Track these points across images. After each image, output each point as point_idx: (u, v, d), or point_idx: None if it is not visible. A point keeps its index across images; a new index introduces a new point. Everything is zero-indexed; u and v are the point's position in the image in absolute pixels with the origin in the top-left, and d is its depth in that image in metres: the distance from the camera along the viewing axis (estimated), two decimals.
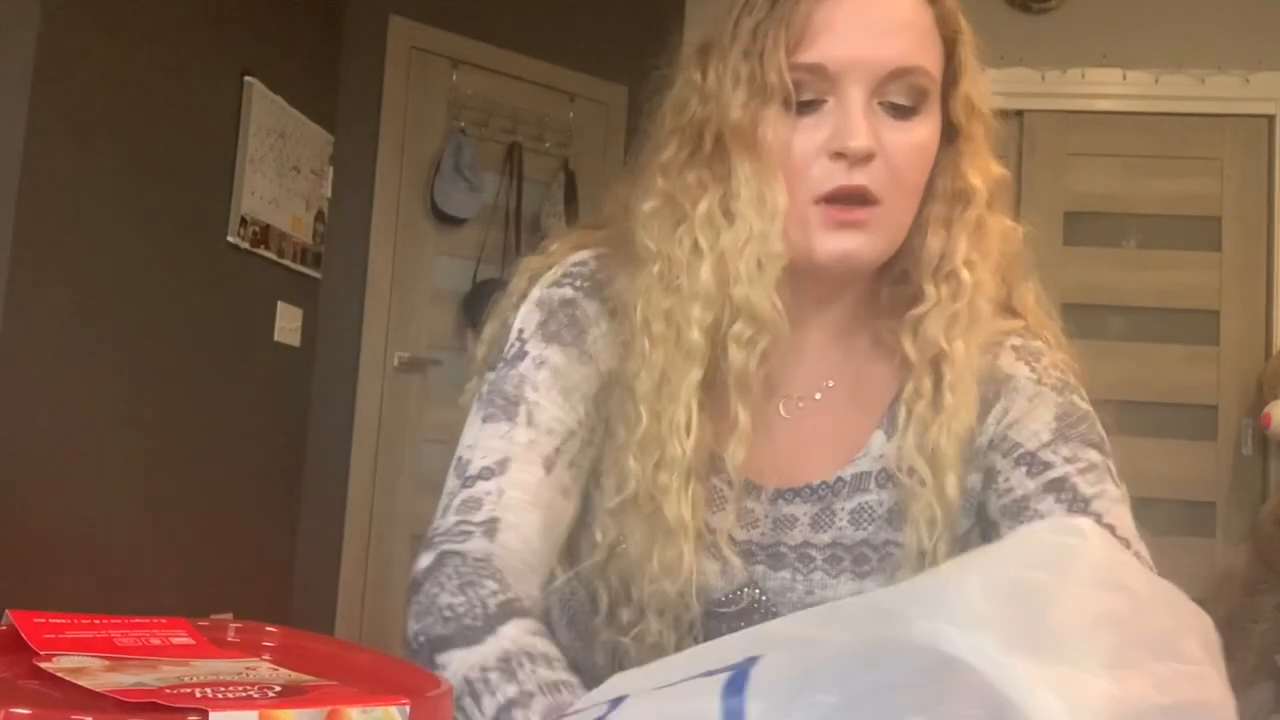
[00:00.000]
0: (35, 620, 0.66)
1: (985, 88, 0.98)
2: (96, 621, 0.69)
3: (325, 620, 3.48)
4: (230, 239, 3.12)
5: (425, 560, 0.90)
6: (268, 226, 3.29)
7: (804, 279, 0.95)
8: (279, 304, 3.40)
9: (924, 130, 0.92)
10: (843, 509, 0.96)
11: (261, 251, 3.26)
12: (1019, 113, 3.74)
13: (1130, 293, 3.65)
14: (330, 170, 3.66)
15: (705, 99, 0.94)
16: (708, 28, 0.96)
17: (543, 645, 0.83)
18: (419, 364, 3.80)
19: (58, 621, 0.67)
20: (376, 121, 3.77)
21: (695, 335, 0.91)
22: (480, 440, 0.96)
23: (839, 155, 0.88)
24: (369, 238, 3.76)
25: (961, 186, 0.95)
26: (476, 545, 0.90)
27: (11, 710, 0.48)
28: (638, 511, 0.94)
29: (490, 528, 0.91)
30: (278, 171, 3.33)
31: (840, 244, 0.90)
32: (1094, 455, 0.93)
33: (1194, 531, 3.57)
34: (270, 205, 3.30)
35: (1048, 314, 1.03)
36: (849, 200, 0.89)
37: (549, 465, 0.94)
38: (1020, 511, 0.93)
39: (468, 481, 0.94)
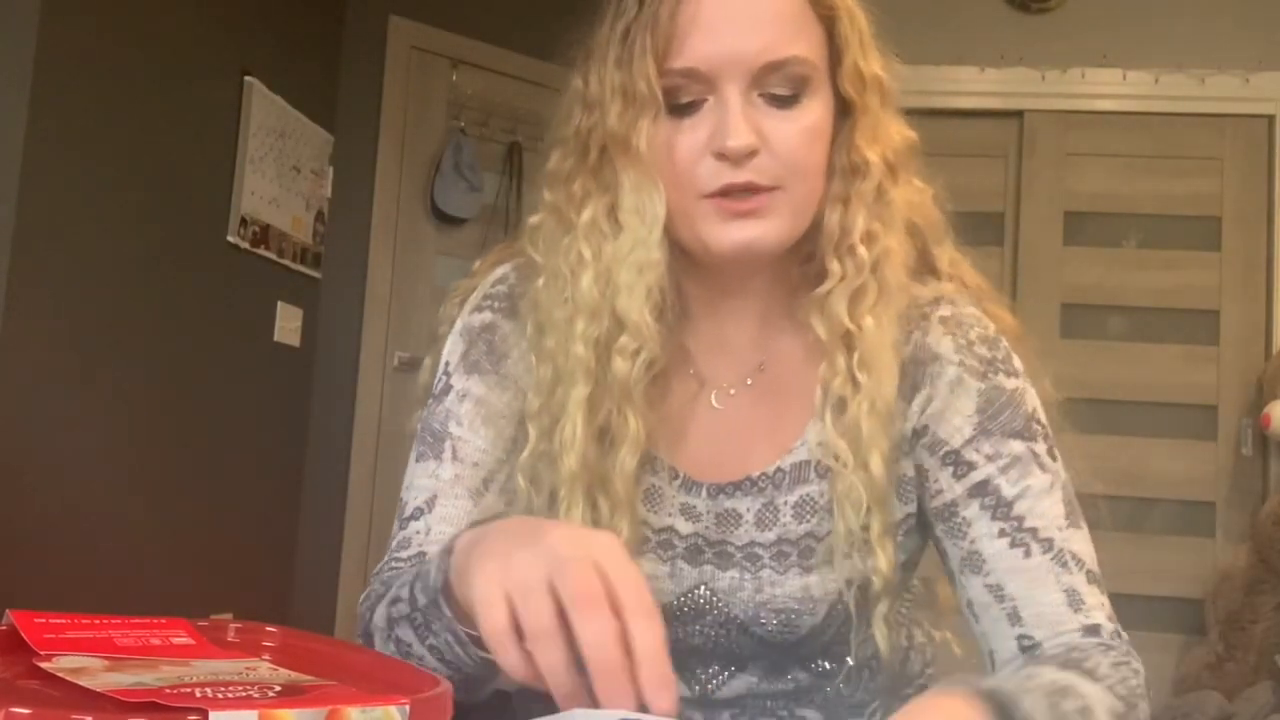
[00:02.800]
0: (35, 620, 0.66)
1: (877, 56, 0.95)
2: (96, 621, 0.69)
3: (325, 620, 3.48)
4: (230, 239, 3.12)
5: (363, 595, 0.95)
6: (268, 226, 3.29)
7: (712, 270, 0.95)
8: (279, 304, 3.40)
9: (809, 115, 0.91)
10: (785, 503, 0.95)
11: (261, 251, 3.26)
12: (1019, 113, 3.74)
13: (1130, 293, 3.65)
14: (330, 170, 3.66)
15: (589, 107, 0.94)
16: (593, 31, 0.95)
17: None
18: (419, 364, 3.79)
19: (58, 621, 0.67)
20: (376, 121, 3.77)
21: (580, 349, 0.91)
22: (413, 480, 0.98)
23: (722, 155, 0.88)
24: (369, 238, 3.76)
25: (856, 160, 0.94)
26: (406, 574, 0.93)
27: (11, 710, 0.48)
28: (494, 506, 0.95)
29: (418, 561, 0.94)
30: (278, 171, 3.33)
31: (739, 234, 0.89)
32: (1017, 446, 0.91)
33: (1194, 531, 3.57)
34: (270, 205, 3.30)
35: (967, 272, 1.02)
36: (740, 193, 0.89)
37: (477, 496, 0.96)
38: (950, 516, 0.92)
39: (403, 524, 0.97)
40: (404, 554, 0.95)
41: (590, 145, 0.94)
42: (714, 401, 0.98)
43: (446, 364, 1.02)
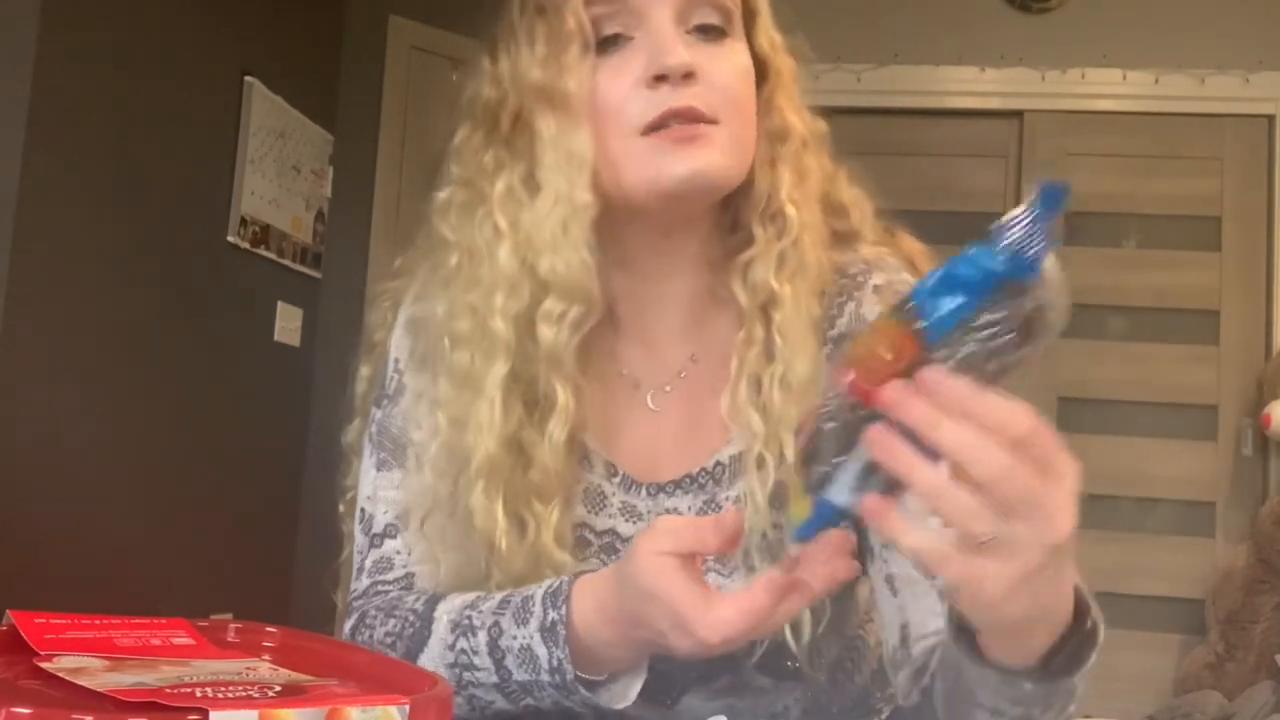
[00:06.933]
0: (35, 620, 0.66)
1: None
2: (96, 621, 0.69)
3: (325, 620, 3.47)
4: (230, 239, 3.12)
5: (349, 623, 0.92)
6: (268, 226, 3.29)
7: (641, 243, 0.90)
8: (279, 304, 3.40)
9: (739, 54, 0.89)
10: (726, 498, 0.91)
11: (261, 251, 3.26)
12: (1019, 113, 3.74)
13: (1130, 293, 3.65)
14: (330, 170, 3.66)
15: (497, 80, 0.92)
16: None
17: (469, 595, 0.86)
18: None
19: (58, 621, 0.67)
20: (376, 121, 3.77)
21: (499, 325, 0.87)
22: (378, 491, 0.95)
23: (658, 80, 0.84)
24: (369, 238, 3.76)
25: (779, 123, 0.92)
26: (395, 596, 0.92)
27: (12, 710, 0.48)
28: (445, 523, 0.90)
29: (407, 584, 0.93)
30: (278, 171, 3.33)
31: (686, 164, 0.84)
32: None
33: (1194, 531, 3.57)
34: (270, 205, 3.30)
35: (903, 238, 1.00)
36: (682, 120, 0.84)
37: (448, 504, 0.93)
38: None
39: (375, 540, 0.95)
40: (388, 576, 0.93)
41: (501, 116, 0.91)
42: (650, 403, 0.95)
43: (397, 361, 1.00)
